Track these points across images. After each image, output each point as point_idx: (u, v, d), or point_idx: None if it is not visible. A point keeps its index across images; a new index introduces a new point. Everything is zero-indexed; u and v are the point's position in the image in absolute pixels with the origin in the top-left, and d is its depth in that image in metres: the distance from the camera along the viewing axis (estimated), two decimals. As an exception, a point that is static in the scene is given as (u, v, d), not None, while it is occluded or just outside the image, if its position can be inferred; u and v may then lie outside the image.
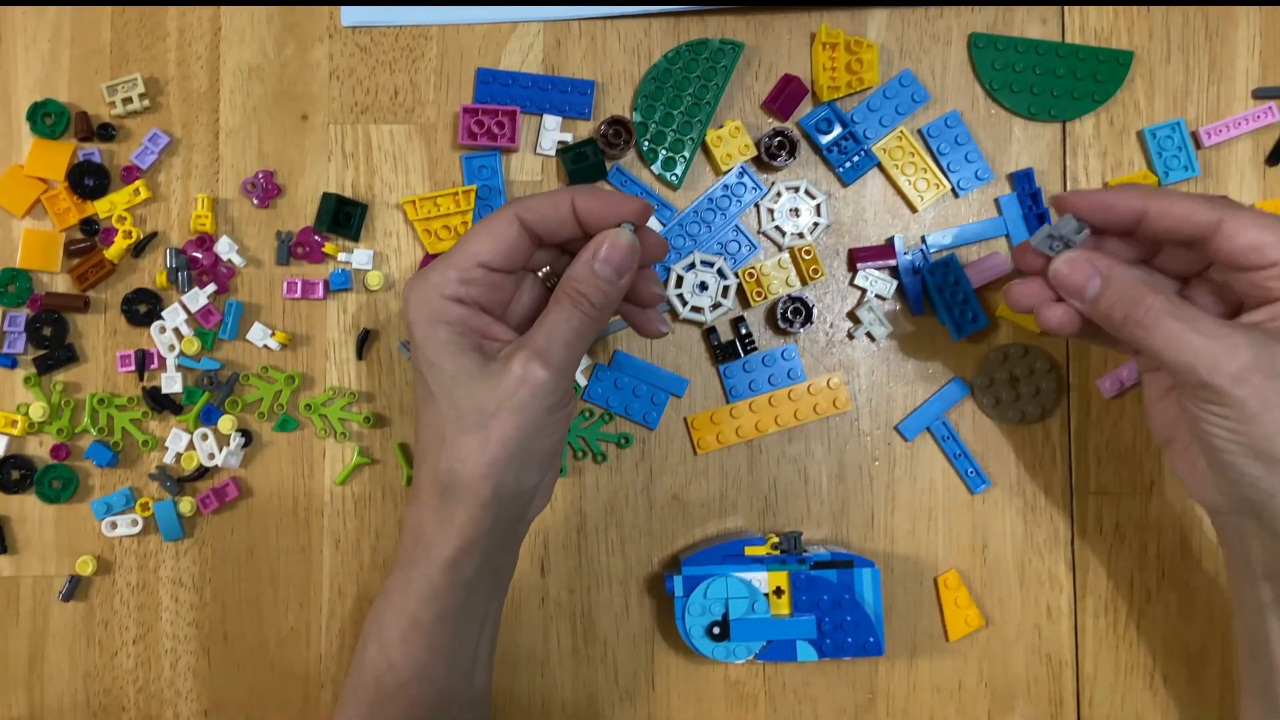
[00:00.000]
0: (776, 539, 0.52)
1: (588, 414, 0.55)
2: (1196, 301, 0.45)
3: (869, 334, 0.55)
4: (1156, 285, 0.42)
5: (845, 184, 0.56)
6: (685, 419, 0.55)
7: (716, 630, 0.51)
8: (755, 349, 0.55)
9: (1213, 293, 0.45)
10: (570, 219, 0.44)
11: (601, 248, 0.43)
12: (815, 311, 0.55)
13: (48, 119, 0.55)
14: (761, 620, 0.51)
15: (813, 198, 0.55)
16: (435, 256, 0.55)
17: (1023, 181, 0.55)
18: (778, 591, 0.52)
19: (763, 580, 0.52)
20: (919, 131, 0.56)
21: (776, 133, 0.55)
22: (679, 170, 0.55)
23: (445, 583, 0.44)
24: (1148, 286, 0.42)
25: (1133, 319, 0.41)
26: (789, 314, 0.54)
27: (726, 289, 0.54)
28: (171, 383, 0.55)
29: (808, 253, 0.55)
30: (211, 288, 0.55)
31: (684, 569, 0.52)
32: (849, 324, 0.56)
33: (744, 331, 0.55)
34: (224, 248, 0.55)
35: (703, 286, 0.54)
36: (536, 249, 0.45)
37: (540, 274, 0.47)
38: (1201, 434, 0.41)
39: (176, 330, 0.55)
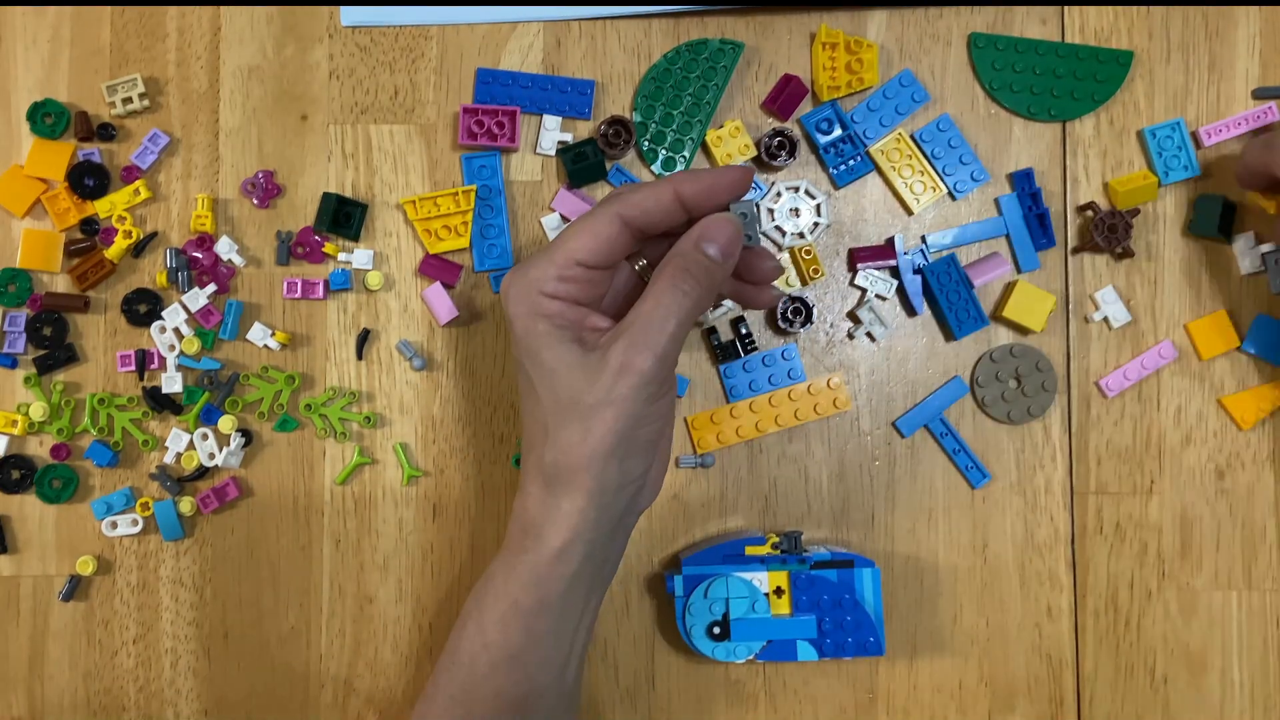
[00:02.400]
0: (776, 539, 0.52)
1: (588, 414, 0.55)
2: None
3: (869, 334, 0.55)
4: None
5: (838, 186, 0.56)
6: (685, 419, 0.55)
7: (717, 630, 0.51)
8: (755, 349, 0.55)
9: None
10: (674, 208, 0.43)
11: (709, 228, 0.43)
12: (815, 311, 0.55)
13: (48, 119, 0.55)
14: (762, 620, 0.51)
15: (813, 198, 0.55)
16: (436, 256, 0.55)
17: (1022, 182, 0.55)
18: (778, 591, 0.52)
19: (763, 580, 0.52)
20: (914, 135, 0.56)
21: (776, 133, 0.55)
22: (679, 170, 0.55)
23: (549, 572, 0.44)
24: None
25: None
26: (789, 314, 0.54)
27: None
28: (171, 383, 0.55)
29: (808, 253, 0.55)
30: (211, 288, 0.55)
31: (684, 569, 0.52)
32: (849, 324, 0.56)
33: (744, 331, 0.55)
34: (224, 248, 0.55)
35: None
36: (636, 242, 0.45)
37: (636, 267, 0.46)
38: None
39: (176, 330, 0.55)
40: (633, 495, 0.45)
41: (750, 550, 0.52)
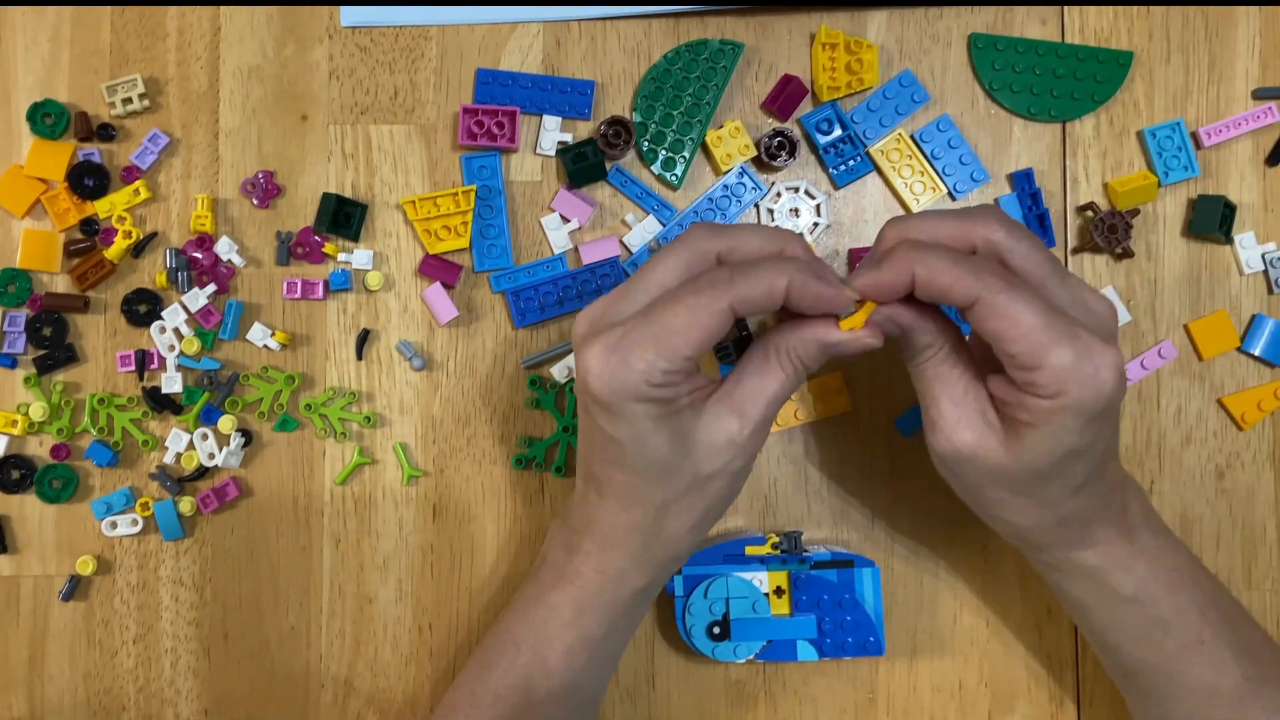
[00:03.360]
0: (777, 539, 0.52)
1: (588, 414, 0.55)
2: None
3: (869, 334, 0.55)
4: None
5: (838, 186, 0.56)
6: (685, 419, 0.55)
7: (717, 630, 0.51)
8: (755, 349, 0.55)
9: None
10: (778, 303, 0.41)
11: (848, 343, 0.42)
12: (815, 311, 0.55)
13: (48, 119, 0.55)
14: (762, 620, 0.51)
15: (812, 198, 0.55)
16: (436, 257, 0.55)
17: (1023, 182, 0.55)
18: (778, 591, 0.52)
19: (763, 580, 0.52)
20: (914, 136, 0.56)
21: (776, 133, 0.55)
22: (679, 170, 0.55)
23: (625, 605, 0.47)
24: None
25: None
26: (789, 314, 0.54)
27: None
28: (171, 383, 0.55)
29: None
30: (211, 288, 0.55)
31: (684, 569, 0.52)
32: (849, 324, 0.56)
33: (744, 332, 0.55)
34: (224, 248, 0.55)
35: (703, 286, 0.54)
36: None
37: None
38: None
39: (176, 330, 0.55)
40: None
41: (750, 550, 0.52)
